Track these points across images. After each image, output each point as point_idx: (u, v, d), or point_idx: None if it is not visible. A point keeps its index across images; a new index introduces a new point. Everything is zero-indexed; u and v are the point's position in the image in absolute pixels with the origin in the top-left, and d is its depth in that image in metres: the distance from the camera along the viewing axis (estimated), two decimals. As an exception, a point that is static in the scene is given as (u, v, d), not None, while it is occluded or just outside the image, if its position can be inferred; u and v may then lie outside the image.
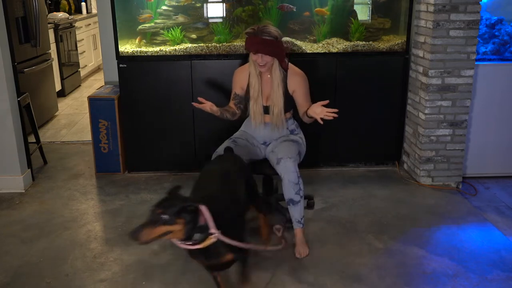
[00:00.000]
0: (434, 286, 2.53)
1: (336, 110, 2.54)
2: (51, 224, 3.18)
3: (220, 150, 2.85)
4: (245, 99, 2.98)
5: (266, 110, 2.93)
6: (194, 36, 3.79)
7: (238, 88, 2.98)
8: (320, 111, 2.59)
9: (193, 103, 2.80)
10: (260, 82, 2.90)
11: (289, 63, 2.93)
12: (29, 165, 3.79)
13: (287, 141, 2.90)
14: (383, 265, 2.71)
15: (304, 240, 2.85)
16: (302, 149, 2.94)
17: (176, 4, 3.78)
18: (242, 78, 2.95)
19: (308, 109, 2.71)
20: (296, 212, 2.82)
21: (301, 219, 2.84)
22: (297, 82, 2.88)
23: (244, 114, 3.05)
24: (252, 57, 2.81)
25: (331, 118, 2.56)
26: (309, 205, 3.30)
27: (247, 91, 2.94)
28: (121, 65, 3.71)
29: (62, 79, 6.42)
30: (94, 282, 2.58)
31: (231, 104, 2.99)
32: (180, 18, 3.76)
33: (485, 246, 2.90)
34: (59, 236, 3.04)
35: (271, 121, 2.93)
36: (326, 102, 2.60)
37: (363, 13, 3.89)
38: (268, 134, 2.98)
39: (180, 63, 3.73)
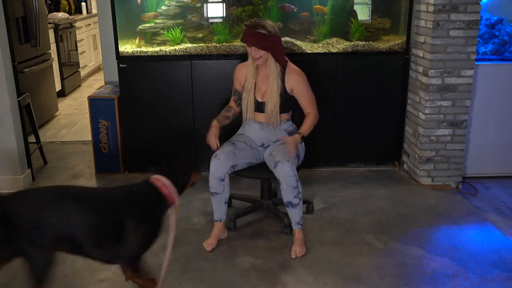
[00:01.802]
0: (434, 286, 2.53)
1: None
2: (51, 224, 3.17)
3: (220, 153, 2.83)
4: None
5: (261, 107, 2.90)
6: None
7: (237, 84, 3.00)
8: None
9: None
10: (256, 77, 2.89)
11: (288, 62, 2.91)
12: (29, 165, 3.79)
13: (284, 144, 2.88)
14: (383, 265, 2.71)
15: (303, 241, 2.85)
16: (300, 152, 2.91)
17: (177, 4, 3.78)
18: (242, 74, 2.96)
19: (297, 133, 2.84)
20: (295, 214, 2.82)
21: (300, 220, 2.84)
22: (295, 80, 2.86)
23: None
24: (248, 49, 2.82)
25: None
26: (309, 210, 3.28)
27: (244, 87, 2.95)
28: (121, 65, 3.71)
29: (62, 79, 6.42)
30: (94, 282, 2.58)
31: (232, 102, 3.01)
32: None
33: (485, 246, 2.90)
34: (59, 236, 3.03)
35: (265, 118, 2.90)
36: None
37: (363, 13, 3.89)
38: (264, 135, 2.95)
39: (180, 63, 3.73)
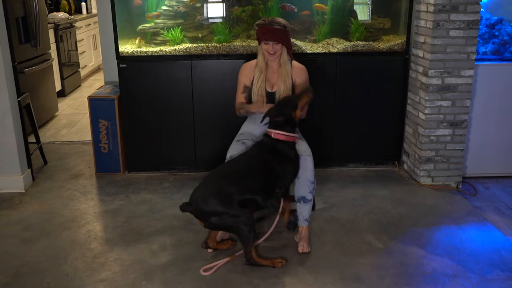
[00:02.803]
0: (434, 286, 2.53)
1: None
2: (51, 224, 3.18)
3: (235, 153, 2.87)
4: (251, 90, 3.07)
5: (272, 97, 3.01)
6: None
7: (246, 80, 3.07)
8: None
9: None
10: (266, 71, 3.01)
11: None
12: (29, 165, 3.79)
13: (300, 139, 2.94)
14: (383, 265, 2.71)
15: (308, 238, 2.87)
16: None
17: (177, 4, 3.78)
18: (249, 71, 3.06)
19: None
20: (305, 210, 2.85)
21: (309, 217, 2.87)
22: (300, 73, 3.03)
23: None
24: (263, 46, 2.94)
25: None
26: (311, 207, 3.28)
27: (253, 81, 3.04)
28: (121, 65, 3.71)
29: (62, 79, 6.43)
30: (94, 282, 2.58)
31: (242, 99, 3.09)
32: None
33: (485, 246, 2.90)
34: (59, 236, 3.04)
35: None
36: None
37: (363, 13, 3.89)
38: None
39: (180, 63, 3.73)
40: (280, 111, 2.76)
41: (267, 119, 2.80)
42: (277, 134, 2.74)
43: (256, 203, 2.65)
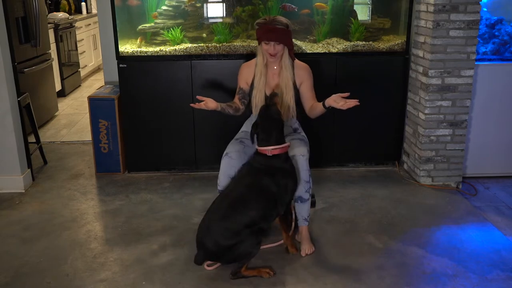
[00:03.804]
0: (434, 286, 2.53)
1: (357, 100, 2.64)
2: (51, 224, 3.18)
3: (231, 151, 2.83)
4: (249, 93, 2.99)
5: None
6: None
7: (243, 82, 3.00)
8: (343, 104, 2.66)
9: (191, 104, 2.81)
10: (266, 73, 2.92)
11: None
12: (29, 165, 3.79)
13: (296, 139, 2.89)
14: (383, 265, 2.71)
15: (309, 238, 2.86)
16: (308, 148, 2.94)
17: (177, 4, 3.78)
18: (248, 72, 2.98)
19: (325, 100, 2.75)
20: (303, 210, 2.84)
21: (308, 216, 2.86)
22: (305, 74, 2.94)
23: (248, 110, 3.05)
24: (263, 46, 2.84)
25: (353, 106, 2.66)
26: (312, 203, 3.28)
27: (252, 84, 2.96)
28: (121, 65, 3.72)
29: (62, 79, 6.43)
30: (94, 282, 2.58)
31: (236, 99, 3.01)
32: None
33: (485, 246, 2.90)
34: (59, 236, 3.04)
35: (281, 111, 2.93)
36: (347, 94, 2.70)
37: (363, 13, 3.89)
38: None
39: (180, 63, 3.73)
40: (269, 121, 2.64)
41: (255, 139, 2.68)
42: (274, 150, 2.60)
43: (263, 230, 2.57)
